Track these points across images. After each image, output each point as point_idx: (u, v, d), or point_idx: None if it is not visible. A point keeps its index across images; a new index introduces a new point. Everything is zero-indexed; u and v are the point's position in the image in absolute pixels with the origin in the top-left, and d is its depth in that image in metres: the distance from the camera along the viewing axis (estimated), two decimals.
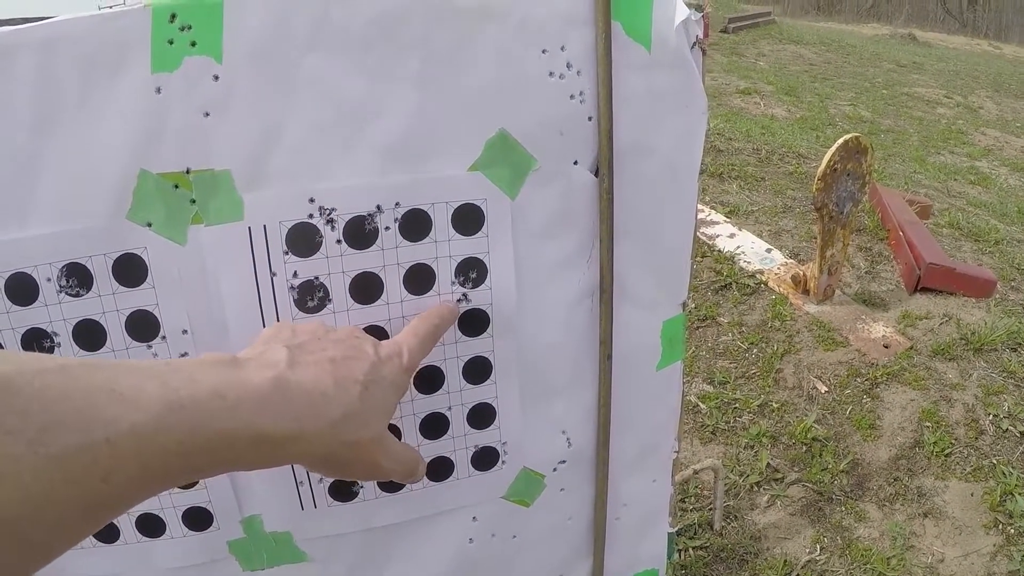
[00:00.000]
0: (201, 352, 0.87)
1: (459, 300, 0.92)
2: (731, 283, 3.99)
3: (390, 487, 1.00)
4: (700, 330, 3.70)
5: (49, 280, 0.81)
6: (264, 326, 0.87)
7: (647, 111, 0.94)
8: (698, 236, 4.29)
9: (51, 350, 0.84)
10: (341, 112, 0.82)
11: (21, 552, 0.44)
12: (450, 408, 0.98)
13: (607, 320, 1.00)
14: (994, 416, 3.08)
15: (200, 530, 0.97)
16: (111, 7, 0.76)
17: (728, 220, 4.75)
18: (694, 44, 0.94)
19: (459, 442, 1.01)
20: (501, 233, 0.91)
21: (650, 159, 0.96)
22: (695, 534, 2.64)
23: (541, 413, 1.04)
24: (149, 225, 0.81)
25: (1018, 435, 3.01)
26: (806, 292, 3.84)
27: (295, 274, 0.85)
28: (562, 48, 0.87)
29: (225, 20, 0.77)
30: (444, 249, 0.89)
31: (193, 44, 0.76)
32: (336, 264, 0.86)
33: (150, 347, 0.86)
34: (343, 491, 0.99)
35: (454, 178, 0.87)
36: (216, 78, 0.78)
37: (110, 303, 0.83)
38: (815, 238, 3.69)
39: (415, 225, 0.87)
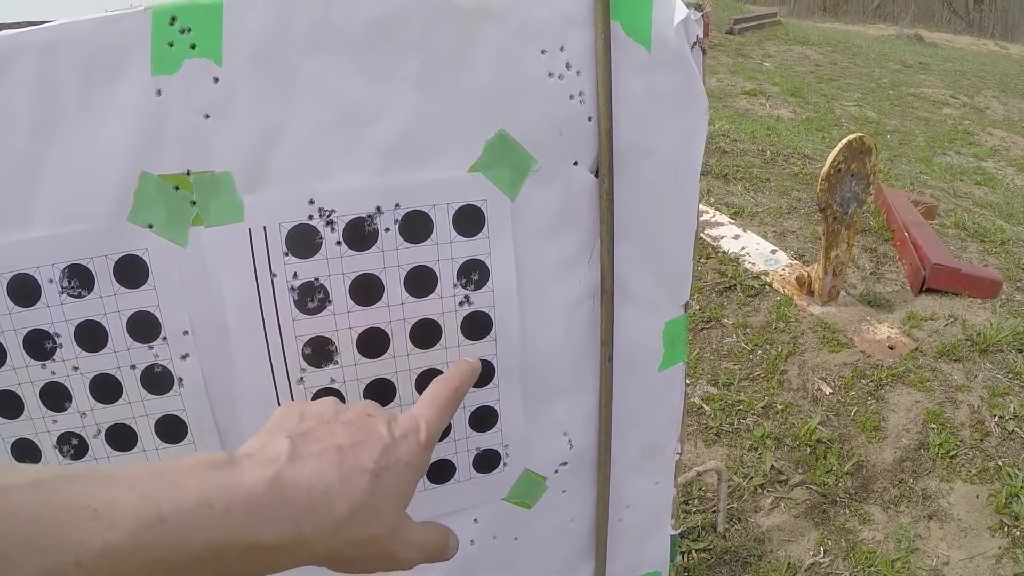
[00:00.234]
0: (202, 352, 0.87)
1: (461, 303, 0.92)
2: (735, 284, 3.98)
3: None
4: (704, 331, 3.69)
5: (51, 281, 0.82)
6: (265, 326, 0.87)
7: (647, 111, 0.94)
8: (703, 237, 4.30)
9: (53, 351, 0.84)
10: (341, 113, 0.82)
11: None
12: None
13: (608, 321, 1.00)
14: (1000, 418, 3.08)
15: None
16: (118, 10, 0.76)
17: (733, 221, 4.75)
18: (694, 44, 0.94)
19: (460, 444, 1.01)
20: (502, 234, 0.91)
21: (650, 159, 0.96)
22: (698, 536, 2.64)
23: (542, 415, 1.04)
24: (150, 227, 0.82)
25: None
26: (811, 293, 3.84)
27: (295, 275, 0.86)
28: (561, 48, 0.87)
29: (225, 22, 0.77)
30: (446, 251, 0.89)
31: (193, 46, 0.77)
32: (336, 265, 0.86)
33: (151, 348, 0.86)
34: None
35: (454, 179, 0.87)
36: (216, 80, 0.78)
37: (111, 304, 0.84)
38: (820, 239, 3.69)
39: (416, 227, 0.88)
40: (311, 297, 0.87)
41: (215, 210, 0.82)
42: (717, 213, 4.86)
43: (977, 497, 2.77)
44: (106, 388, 0.87)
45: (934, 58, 17.01)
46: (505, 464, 1.04)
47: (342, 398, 0.93)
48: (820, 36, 17.23)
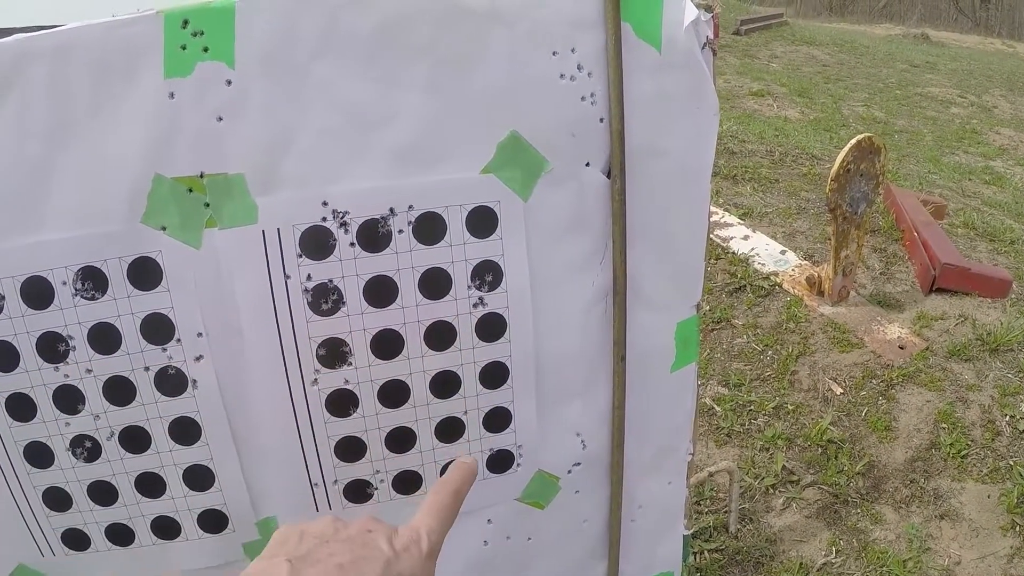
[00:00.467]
0: (216, 353, 0.88)
1: (476, 304, 0.92)
2: (745, 285, 3.97)
3: (404, 488, 1.00)
4: (715, 332, 3.69)
5: (64, 283, 0.82)
6: (279, 328, 0.87)
7: (659, 112, 0.94)
8: (712, 238, 4.29)
9: (66, 354, 0.85)
10: (352, 116, 0.82)
11: None
12: (466, 412, 0.98)
13: (621, 322, 1.00)
14: (1011, 417, 3.06)
15: (215, 532, 0.97)
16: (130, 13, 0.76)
17: (742, 222, 4.74)
18: (704, 45, 0.94)
19: (475, 445, 1.01)
20: (515, 235, 0.91)
21: (662, 160, 0.96)
22: (710, 537, 2.63)
23: (556, 416, 1.04)
24: (164, 229, 0.82)
25: None
26: (821, 293, 3.83)
27: (309, 277, 0.86)
28: (572, 50, 0.87)
29: (236, 26, 0.77)
30: (459, 253, 0.90)
31: (205, 49, 0.77)
32: (350, 267, 0.86)
33: (165, 350, 0.86)
34: (359, 493, 0.99)
35: (467, 180, 0.88)
36: (229, 83, 0.78)
37: (125, 306, 0.84)
38: (829, 239, 3.68)
39: (430, 228, 0.88)
40: (325, 298, 0.87)
41: (229, 212, 0.82)
42: (726, 214, 4.85)
43: (988, 497, 2.76)
44: (120, 390, 0.88)
45: (941, 57, 16.96)
46: (519, 465, 1.04)
47: (356, 399, 0.93)
48: (827, 36, 17.20)
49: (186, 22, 0.76)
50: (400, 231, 0.86)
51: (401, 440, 0.97)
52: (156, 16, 0.75)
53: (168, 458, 0.92)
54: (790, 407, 3.19)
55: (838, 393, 3.25)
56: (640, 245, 0.99)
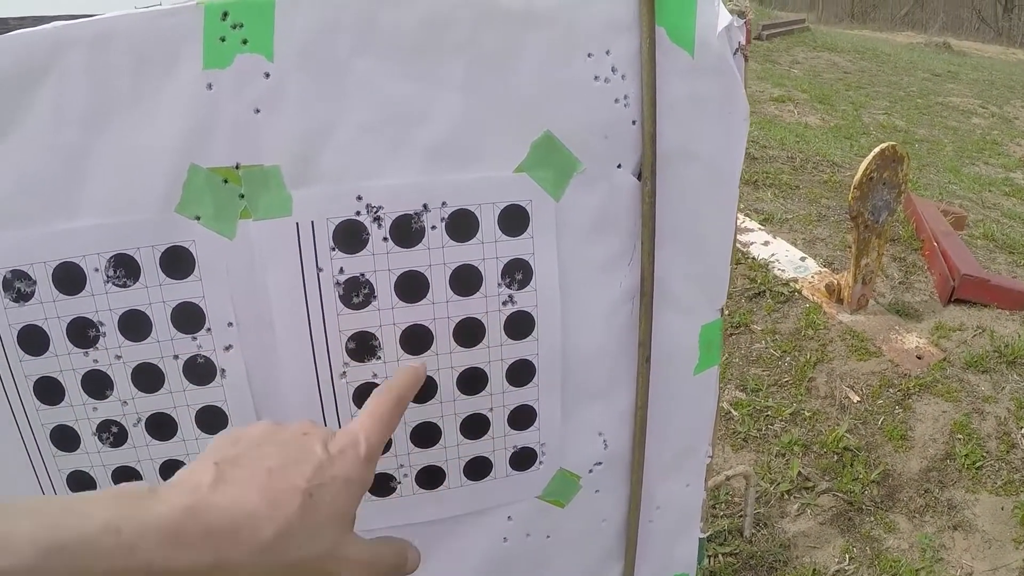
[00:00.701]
0: (246, 343, 0.88)
1: (505, 302, 0.93)
2: (765, 291, 3.97)
3: (426, 484, 1.01)
4: (734, 337, 3.69)
5: (96, 270, 0.83)
6: (309, 320, 0.88)
7: (690, 116, 0.94)
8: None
9: (96, 339, 0.85)
10: (389, 112, 0.83)
11: None
12: (491, 409, 0.99)
13: (647, 323, 1.00)
14: None
15: None
16: (151, 6, 0.77)
17: (762, 228, 4.73)
18: (736, 50, 0.94)
19: (499, 442, 1.01)
20: (546, 235, 0.91)
21: (693, 164, 0.96)
22: (725, 540, 2.64)
23: (579, 415, 1.04)
24: (198, 219, 0.83)
25: None
26: (840, 301, 3.82)
27: (341, 270, 0.86)
28: (607, 52, 0.87)
29: (276, 19, 0.78)
30: (491, 250, 0.90)
31: (245, 42, 0.78)
32: (382, 261, 0.87)
33: (195, 339, 0.87)
34: (381, 486, 0.99)
35: (500, 179, 0.88)
36: (267, 75, 0.79)
37: (156, 294, 0.85)
38: (849, 247, 3.67)
39: (462, 225, 0.88)
40: (356, 292, 0.88)
41: (264, 203, 0.83)
42: (747, 219, 4.85)
43: (1002, 509, 2.76)
44: (148, 377, 0.88)
45: (963, 67, 16.87)
46: (541, 463, 1.05)
47: None
48: (848, 43, 17.14)
49: (226, 14, 0.77)
50: (433, 227, 0.87)
51: (426, 435, 0.97)
52: (196, 7, 0.76)
53: (194, 446, 0.93)
54: (807, 413, 3.20)
55: (855, 401, 3.25)
56: (668, 247, 0.99)
